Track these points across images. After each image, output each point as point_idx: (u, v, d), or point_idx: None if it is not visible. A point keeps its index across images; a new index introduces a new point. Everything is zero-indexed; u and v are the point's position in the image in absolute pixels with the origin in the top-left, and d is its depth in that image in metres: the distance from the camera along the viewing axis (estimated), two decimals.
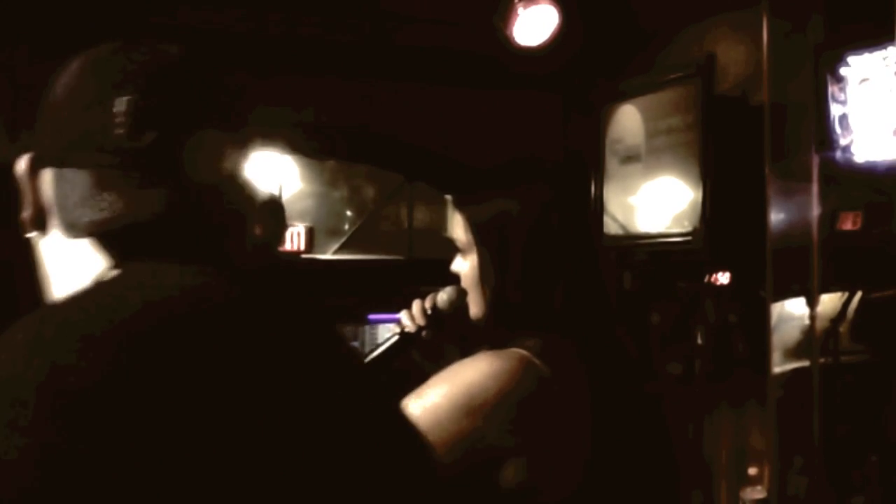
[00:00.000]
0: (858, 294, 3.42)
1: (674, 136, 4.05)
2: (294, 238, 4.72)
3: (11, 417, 0.70)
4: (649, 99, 4.20)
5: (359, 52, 4.36)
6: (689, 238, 3.95)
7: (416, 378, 1.52)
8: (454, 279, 1.67)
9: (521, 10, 4.02)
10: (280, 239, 3.97)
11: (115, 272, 0.86)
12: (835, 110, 3.22)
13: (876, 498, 3.28)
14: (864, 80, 3.16)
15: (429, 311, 1.70)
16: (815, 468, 3.39)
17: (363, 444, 0.84)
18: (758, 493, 3.67)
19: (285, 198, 4.96)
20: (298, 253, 4.65)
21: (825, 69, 3.23)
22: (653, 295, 4.30)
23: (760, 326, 3.53)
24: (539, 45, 4.07)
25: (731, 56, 3.99)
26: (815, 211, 3.38)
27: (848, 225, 3.29)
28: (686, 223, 3.97)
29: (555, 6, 4.02)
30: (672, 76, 4.11)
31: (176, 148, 0.88)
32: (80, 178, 0.88)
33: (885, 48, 3.06)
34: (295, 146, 4.58)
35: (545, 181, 1.67)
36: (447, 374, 1.50)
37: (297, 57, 4.23)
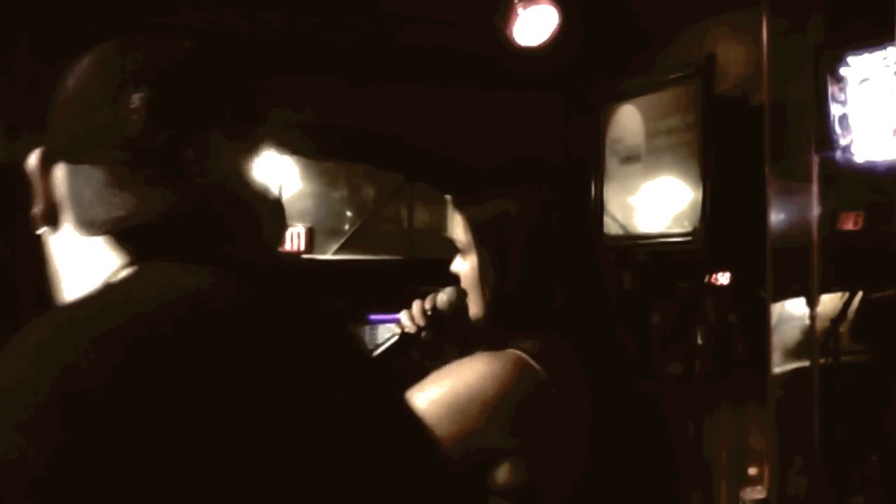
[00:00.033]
0: (859, 294, 3.42)
1: (674, 136, 4.05)
2: (294, 238, 4.72)
3: (23, 419, 0.70)
4: (649, 99, 4.20)
5: (359, 52, 4.36)
6: (689, 238, 3.95)
7: (416, 378, 1.52)
8: (454, 279, 1.67)
9: (521, 10, 4.01)
10: (280, 239, 3.96)
11: (127, 271, 0.85)
12: (835, 110, 3.22)
13: (876, 498, 3.28)
14: (864, 80, 3.16)
15: (428, 312, 1.70)
16: (815, 468, 3.39)
17: (375, 442, 0.84)
18: (758, 493, 3.67)
19: (285, 198, 4.96)
20: (298, 253, 4.65)
21: (825, 69, 3.23)
22: (653, 295, 4.30)
23: (760, 326, 3.53)
24: (539, 45, 4.07)
25: (731, 56, 3.99)
26: (815, 211, 3.38)
27: (848, 225, 3.28)
28: (686, 223, 3.97)
29: (555, 6, 4.02)
30: (672, 76, 4.11)
31: (191, 146, 0.87)
32: (94, 175, 0.87)
33: (885, 48, 3.06)
34: (295, 146, 4.58)
35: (545, 181, 1.67)
36: (441, 375, 1.50)
37: (297, 57, 4.23)
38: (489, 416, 1.45)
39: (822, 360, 3.40)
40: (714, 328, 3.98)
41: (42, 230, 0.93)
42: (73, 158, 0.89)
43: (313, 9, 4.25)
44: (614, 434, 1.55)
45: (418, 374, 1.55)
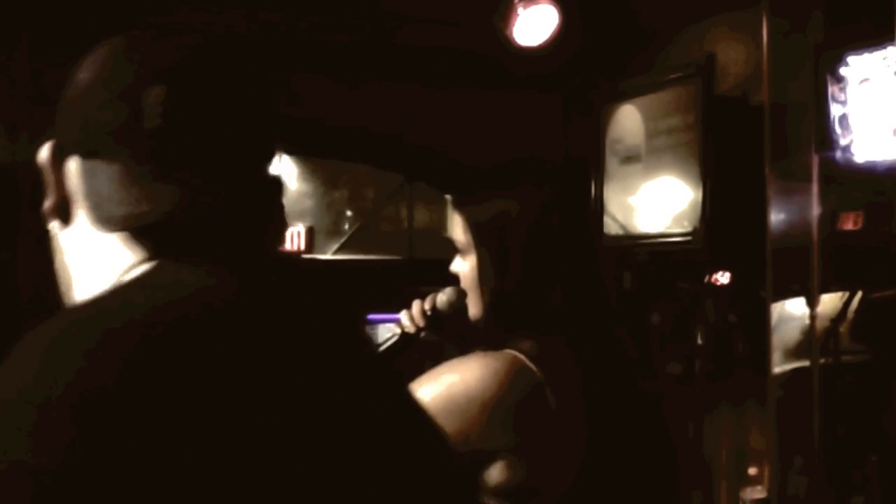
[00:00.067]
0: (859, 294, 3.42)
1: (674, 136, 4.05)
2: (294, 238, 4.71)
3: (34, 422, 0.70)
4: (649, 99, 4.20)
5: (359, 52, 4.36)
6: (689, 238, 3.95)
7: (415, 378, 1.52)
8: (454, 279, 1.67)
9: (521, 11, 4.01)
10: (280, 239, 3.96)
11: (141, 269, 0.84)
12: (835, 110, 3.22)
13: (876, 498, 3.28)
14: (864, 80, 3.16)
15: (428, 312, 1.70)
16: (815, 468, 3.39)
17: (389, 438, 0.84)
18: (758, 493, 3.67)
19: (285, 198, 4.95)
20: (298, 253, 4.65)
21: (825, 69, 3.23)
22: (653, 295, 4.30)
23: (760, 326, 3.53)
24: (539, 45, 4.07)
25: (731, 56, 3.99)
26: (815, 211, 3.38)
27: (848, 225, 3.28)
28: (686, 223, 3.97)
29: (555, 6, 4.02)
30: (672, 76, 4.11)
31: (208, 143, 0.86)
32: (111, 170, 0.85)
33: (885, 48, 3.06)
34: (295, 146, 4.58)
35: (545, 181, 1.66)
36: (436, 375, 1.50)
37: (297, 57, 4.23)
38: (484, 416, 1.45)
39: (822, 360, 3.40)
40: (714, 328, 3.98)
41: (52, 225, 0.92)
42: (88, 153, 0.87)
43: (313, 9, 4.25)
44: (614, 434, 1.54)
45: (418, 374, 1.55)
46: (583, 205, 3.78)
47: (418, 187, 5.11)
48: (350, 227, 5.43)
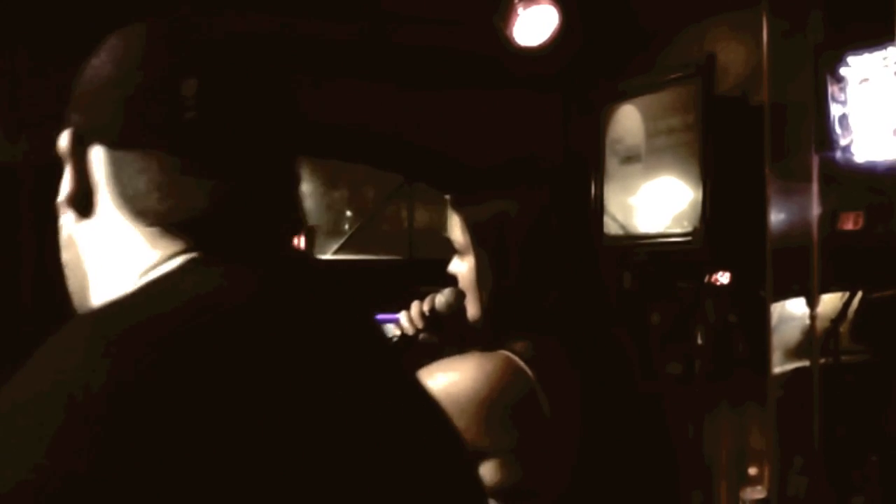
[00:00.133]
0: (859, 294, 3.42)
1: (674, 136, 4.05)
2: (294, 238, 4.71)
3: (62, 421, 0.68)
4: (649, 99, 4.20)
5: (359, 52, 4.36)
6: (689, 238, 3.95)
7: None
8: (454, 280, 1.67)
9: (521, 11, 4.01)
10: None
11: (171, 265, 0.82)
12: (835, 110, 3.22)
13: (876, 498, 3.28)
14: (864, 80, 3.16)
15: (427, 314, 1.70)
16: (815, 468, 3.39)
17: (408, 434, 0.83)
18: (758, 493, 3.67)
19: None
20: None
21: (825, 69, 3.23)
22: (653, 295, 4.30)
23: (760, 326, 3.53)
24: (539, 45, 4.07)
25: (731, 56, 3.99)
26: (815, 211, 3.38)
27: (848, 225, 3.28)
28: (686, 223, 3.97)
29: (555, 6, 4.02)
30: (672, 76, 4.11)
31: (241, 137, 0.83)
32: (144, 162, 0.82)
33: (885, 48, 3.06)
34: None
35: (545, 181, 1.66)
36: (430, 374, 1.50)
37: (297, 57, 4.23)
38: (475, 416, 1.44)
39: (822, 360, 3.39)
40: (714, 328, 3.98)
41: (65, 218, 0.88)
42: (118, 142, 0.83)
43: (313, 9, 4.25)
44: (614, 434, 1.54)
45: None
46: (582, 205, 3.78)
47: (418, 187, 5.11)
48: (350, 227, 5.43)
